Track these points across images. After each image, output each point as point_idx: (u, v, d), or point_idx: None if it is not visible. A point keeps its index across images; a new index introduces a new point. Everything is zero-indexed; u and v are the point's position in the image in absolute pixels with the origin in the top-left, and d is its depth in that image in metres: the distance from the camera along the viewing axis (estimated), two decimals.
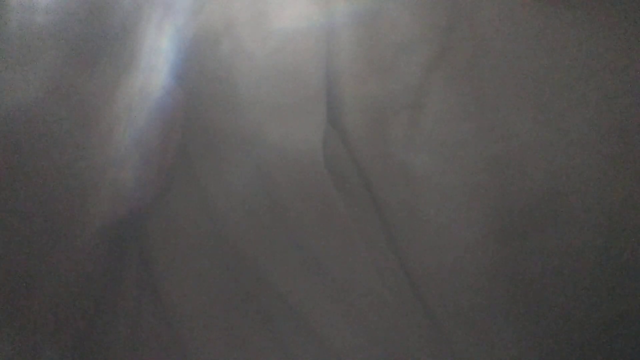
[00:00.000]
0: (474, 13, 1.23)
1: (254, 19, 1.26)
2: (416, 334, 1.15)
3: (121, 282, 1.12)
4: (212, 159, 1.18)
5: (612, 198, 1.12)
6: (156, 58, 1.18)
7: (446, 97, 1.23)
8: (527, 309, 1.13)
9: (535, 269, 1.12)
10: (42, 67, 0.99)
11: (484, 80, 1.22)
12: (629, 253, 1.10)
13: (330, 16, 1.28)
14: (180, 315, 1.10)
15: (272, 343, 1.11)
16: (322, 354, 1.12)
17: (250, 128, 1.20)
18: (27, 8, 0.95)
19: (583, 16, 1.19)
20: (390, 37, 1.26)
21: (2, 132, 1.00)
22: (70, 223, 1.05)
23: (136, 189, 1.11)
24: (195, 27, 1.22)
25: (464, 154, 1.20)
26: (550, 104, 1.19)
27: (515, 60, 1.22)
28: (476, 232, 1.17)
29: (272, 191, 1.14)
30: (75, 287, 1.08)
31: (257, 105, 1.22)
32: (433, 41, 1.25)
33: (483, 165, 1.18)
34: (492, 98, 1.21)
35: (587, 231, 1.11)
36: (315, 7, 1.28)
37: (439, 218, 1.19)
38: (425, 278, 1.18)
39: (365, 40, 1.27)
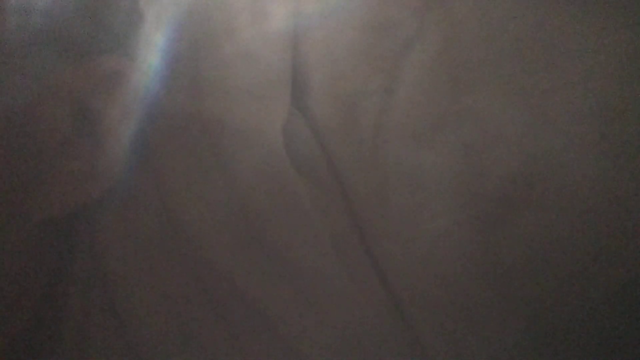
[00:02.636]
0: None
1: (216, 0, 1.21)
2: (385, 331, 1.10)
3: (69, 278, 1.06)
4: (171, 147, 1.13)
5: (590, 183, 1.08)
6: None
7: (419, 81, 1.19)
8: (501, 299, 1.08)
9: (510, 256, 1.08)
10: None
11: (458, 63, 1.18)
12: (607, 239, 1.06)
13: None
14: (131, 313, 1.05)
15: (231, 343, 1.05)
16: (285, 354, 1.07)
17: (211, 113, 1.15)
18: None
19: None
20: (361, 18, 1.22)
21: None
22: (13, 212, 1.00)
23: (87, 179, 1.06)
24: (153, 11, 1.18)
25: (437, 139, 1.16)
26: (527, 87, 1.15)
27: (490, 42, 1.18)
28: (450, 221, 1.13)
29: (230, 180, 1.09)
30: (19, 281, 1.02)
31: (219, 89, 1.17)
32: (406, 22, 1.21)
33: (457, 151, 1.14)
34: (467, 81, 1.17)
35: (564, 217, 1.07)
36: None
37: (411, 206, 1.14)
38: (396, 271, 1.14)
39: (334, 21, 1.23)
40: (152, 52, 1.16)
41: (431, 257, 1.11)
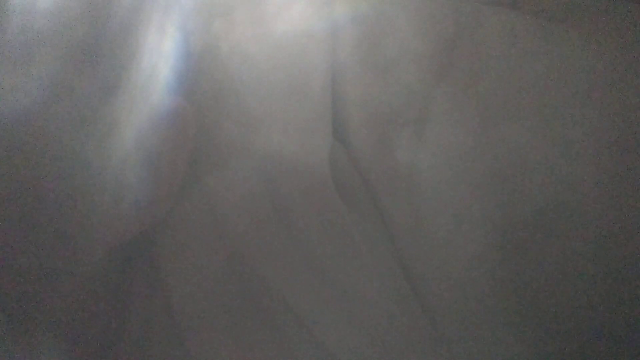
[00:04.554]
0: (475, 27, 1.25)
1: (260, 33, 1.27)
2: (419, 344, 1.17)
3: (131, 295, 1.14)
4: (221, 173, 1.20)
5: (614, 211, 1.14)
6: (158, 64, 1.18)
7: (450, 112, 1.24)
8: (530, 320, 1.14)
9: (538, 281, 1.14)
10: (42, 69, 0.99)
11: (487, 95, 1.24)
12: (631, 264, 1.12)
13: (335, 31, 1.30)
14: (190, 325, 1.12)
15: (277, 350, 1.13)
16: None
17: (259, 142, 1.22)
18: (27, 10, 0.94)
19: (583, 32, 1.20)
20: (394, 52, 1.28)
21: (2, 134, 0.99)
22: (84, 241, 1.07)
23: (146, 207, 1.13)
24: (200, 36, 1.23)
25: (467, 167, 1.22)
26: (553, 118, 1.21)
27: (517, 75, 1.23)
28: (480, 245, 1.19)
29: (281, 205, 1.16)
30: (89, 300, 1.10)
31: (265, 119, 1.23)
32: (436, 55, 1.27)
33: (487, 179, 1.20)
34: (495, 112, 1.23)
35: (589, 244, 1.13)
36: (319, 22, 1.30)
37: (444, 231, 1.21)
38: (430, 289, 1.20)
39: (368, 56, 1.29)
40: (203, 90, 1.22)
41: (463, 277, 1.17)
